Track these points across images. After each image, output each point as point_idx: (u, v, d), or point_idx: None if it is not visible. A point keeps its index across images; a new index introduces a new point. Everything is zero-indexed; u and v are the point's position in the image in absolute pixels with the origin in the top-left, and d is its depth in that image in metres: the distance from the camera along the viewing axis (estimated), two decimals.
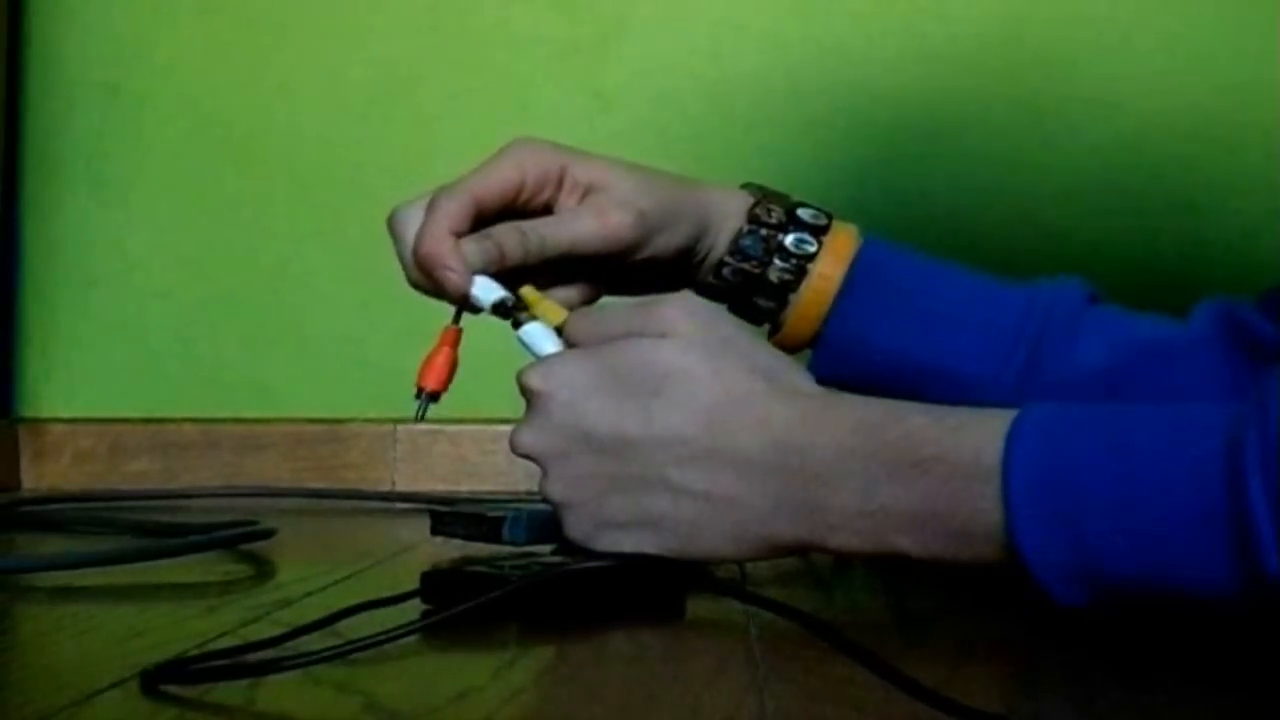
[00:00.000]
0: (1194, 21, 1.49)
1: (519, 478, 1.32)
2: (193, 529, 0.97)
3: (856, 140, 1.50)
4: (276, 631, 0.59)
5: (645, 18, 1.52)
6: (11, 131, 1.52)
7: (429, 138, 1.53)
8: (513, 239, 0.76)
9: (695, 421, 0.67)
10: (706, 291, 0.83)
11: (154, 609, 0.75)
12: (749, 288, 0.83)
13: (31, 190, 1.54)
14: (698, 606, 0.70)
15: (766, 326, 0.85)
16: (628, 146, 1.49)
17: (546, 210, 0.79)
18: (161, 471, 1.49)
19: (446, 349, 0.78)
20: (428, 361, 0.78)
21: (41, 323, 1.54)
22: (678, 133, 1.50)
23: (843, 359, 0.83)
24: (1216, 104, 1.48)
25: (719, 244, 0.83)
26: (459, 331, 0.78)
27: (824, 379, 0.71)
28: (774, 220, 0.83)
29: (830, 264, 0.83)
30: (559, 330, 0.74)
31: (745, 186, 0.85)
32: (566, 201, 0.79)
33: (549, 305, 0.76)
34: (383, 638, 0.57)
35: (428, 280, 0.77)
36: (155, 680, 0.53)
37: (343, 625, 0.61)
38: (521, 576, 0.66)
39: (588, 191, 0.79)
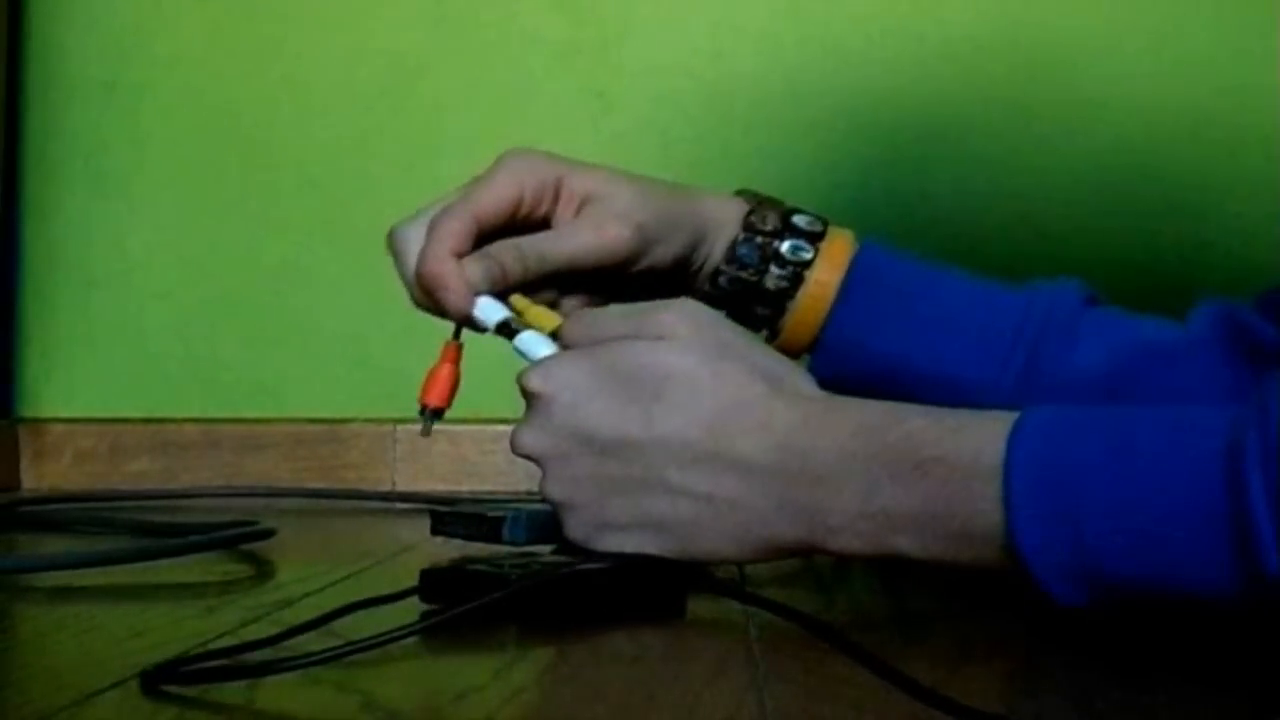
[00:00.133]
0: (1194, 24, 1.49)
1: (519, 478, 1.32)
2: (192, 529, 0.97)
3: (856, 141, 1.50)
4: (276, 631, 0.59)
5: (646, 19, 1.52)
6: (11, 130, 1.52)
7: (435, 133, 1.52)
8: (512, 257, 0.76)
9: (697, 425, 0.67)
10: (704, 300, 0.82)
11: (154, 609, 0.75)
12: (746, 296, 0.83)
13: (31, 189, 1.54)
14: (698, 607, 0.70)
15: (765, 332, 0.85)
16: (629, 146, 1.51)
17: (545, 222, 0.79)
18: (161, 471, 1.49)
19: (449, 365, 0.78)
20: (430, 378, 0.78)
21: (41, 323, 1.54)
22: (678, 133, 1.50)
23: (841, 364, 0.83)
24: (1216, 106, 1.48)
25: (715, 252, 0.83)
26: (460, 347, 0.78)
27: (823, 383, 0.71)
28: (769, 227, 0.83)
29: (826, 270, 0.83)
30: (553, 336, 0.74)
31: (740, 193, 0.85)
32: (564, 213, 0.79)
33: (539, 311, 0.76)
34: (383, 638, 0.57)
35: (430, 300, 0.77)
36: (155, 680, 0.53)
37: (343, 626, 0.61)
38: (521, 576, 0.66)
39: (584, 202, 0.79)
